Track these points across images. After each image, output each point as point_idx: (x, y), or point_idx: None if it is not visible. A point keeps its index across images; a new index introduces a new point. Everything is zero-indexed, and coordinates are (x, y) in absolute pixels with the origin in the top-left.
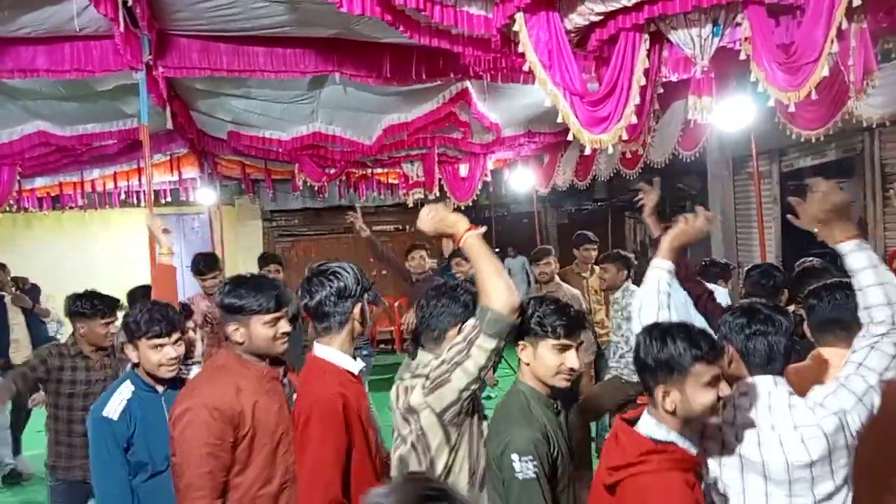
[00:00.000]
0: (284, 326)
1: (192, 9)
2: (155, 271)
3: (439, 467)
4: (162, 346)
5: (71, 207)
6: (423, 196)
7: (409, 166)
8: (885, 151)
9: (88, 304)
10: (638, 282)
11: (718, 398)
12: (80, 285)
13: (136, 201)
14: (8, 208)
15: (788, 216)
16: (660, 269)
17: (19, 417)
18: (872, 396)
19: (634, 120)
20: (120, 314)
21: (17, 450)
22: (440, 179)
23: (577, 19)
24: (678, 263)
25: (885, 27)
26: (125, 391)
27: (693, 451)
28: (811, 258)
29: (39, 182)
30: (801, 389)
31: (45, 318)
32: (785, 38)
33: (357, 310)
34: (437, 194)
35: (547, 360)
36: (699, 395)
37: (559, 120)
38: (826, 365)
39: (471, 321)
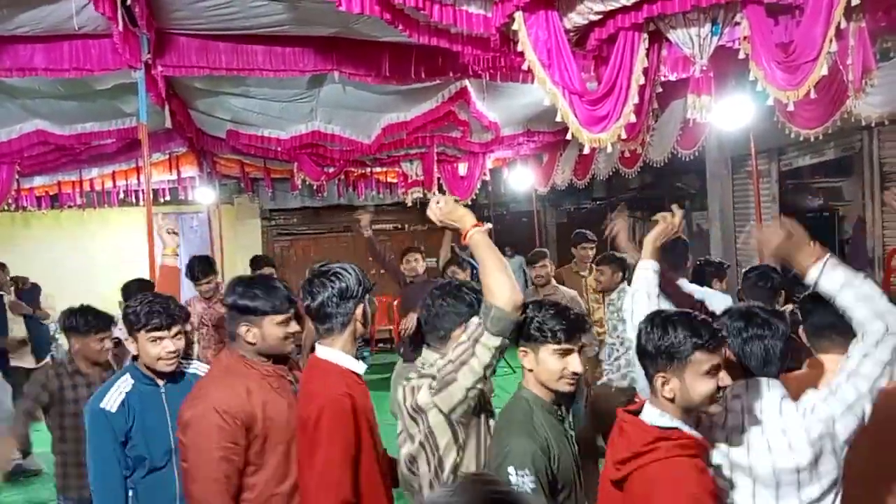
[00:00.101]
0: (294, 326)
1: (191, 8)
2: (159, 273)
3: (447, 466)
4: (161, 339)
5: (70, 206)
6: (422, 195)
7: (408, 165)
8: (884, 150)
9: (82, 320)
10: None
11: (718, 388)
12: (80, 284)
13: (134, 200)
14: (6, 207)
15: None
16: (646, 269)
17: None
18: (863, 404)
19: (633, 119)
20: (115, 330)
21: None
22: (439, 178)
23: (576, 18)
24: (666, 281)
25: (884, 26)
26: (124, 384)
27: (699, 436)
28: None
29: (38, 181)
30: (798, 397)
31: (45, 321)
32: (784, 37)
33: (359, 311)
34: (436, 193)
35: (549, 366)
36: (698, 384)
37: (558, 119)
38: (824, 372)
39: (475, 319)
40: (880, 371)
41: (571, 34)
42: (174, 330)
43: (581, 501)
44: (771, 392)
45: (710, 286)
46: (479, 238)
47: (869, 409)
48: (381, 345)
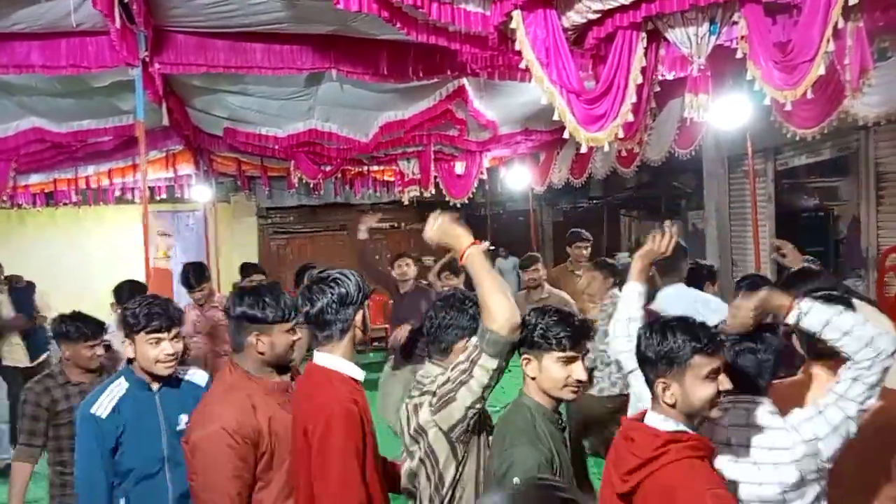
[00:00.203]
0: (297, 333)
1: (189, 5)
2: (151, 276)
3: (447, 481)
4: (160, 340)
5: (66, 204)
6: (418, 194)
7: (405, 164)
8: (880, 150)
9: (73, 327)
10: None
11: (718, 392)
12: (75, 282)
13: (131, 198)
14: (2, 205)
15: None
16: (632, 293)
17: (16, 411)
18: (849, 425)
19: (631, 118)
20: (106, 336)
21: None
22: (436, 177)
23: (574, 17)
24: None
25: (881, 26)
26: (118, 389)
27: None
28: (806, 259)
29: (34, 178)
30: (791, 404)
31: (45, 324)
32: (781, 36)
33: (359, 317)
34: (433, 192)
35: (553, 373)
36: (699, 388)
37: (556, 118)
38: (817, 379)
39: (474, 339)
40: (868, 394)
41: (569, 33)
42: (173, 332)
43: None
44: (759, 408)
45: (702, 290)
46: (475, 258)
47: (854, 429)
48: (375, 343)
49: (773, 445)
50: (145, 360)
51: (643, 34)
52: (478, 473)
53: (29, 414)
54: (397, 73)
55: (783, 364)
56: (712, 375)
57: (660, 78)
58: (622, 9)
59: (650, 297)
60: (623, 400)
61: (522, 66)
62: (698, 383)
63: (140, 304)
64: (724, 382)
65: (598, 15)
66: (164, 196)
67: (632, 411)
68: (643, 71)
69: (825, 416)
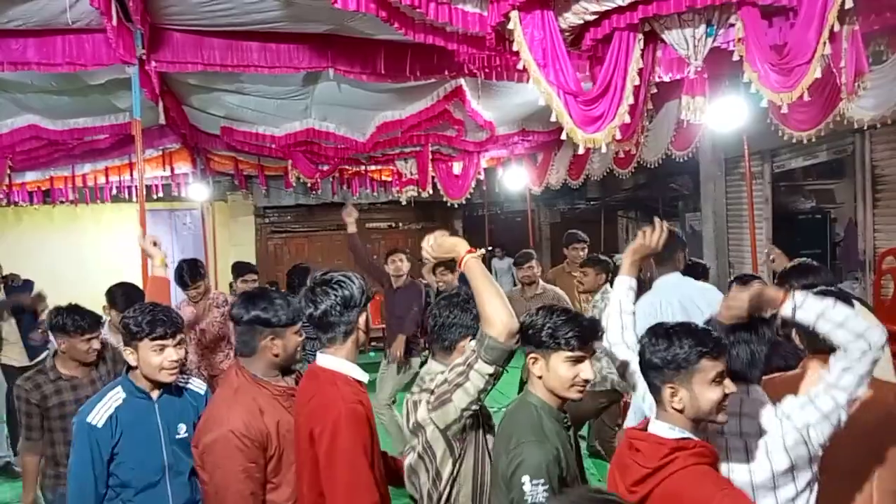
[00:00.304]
0: (302, 335)
1: (186, 3)
2: (149, 284)
3: (445, 476)
4: (164, 347)
5: (62, 202)
6: (416, 194)
7: (402, 164)
8: (876, 153)
9: (69, 320)
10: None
11: (725, 395)
12: (71, 280)
13: (127, 196)
14: None
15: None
16: (622, 286)
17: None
18: (839, 413)
19: (628, 119)
20: (102, 330)
21: (13, 443)
22: (433, 177)
23: (571, 18)
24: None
25: (877, 29)
26: (114, 398)
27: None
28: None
29: (30, 176)
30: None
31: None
32: (778, 39)
33: (362, 319)
34: (431, 192)
35: (561, 373)
36: (706, 392)
37: (553, 119)
38: (815, 371)
39: (473, 343)
40: (859, 383)
41: (567, 34)
42: (177, 338)
43: None
44: (751, 397)
45: None
46: (474, 265)
47: (845, 417)
48: (373, 343)
49: (764, 433)
50: (149, 367)
51: (640, 36)
52: (475, 470)
53: (23, 411)
54: (394, 73)
55: (785, 363)
56: (718, 379)
57: (657, 79)
58: (619, 10)
59: (645, 288)
60: (613, 395)
61: (520, 66)
62: (706, 387)
63: (142, 312)
64: (730, 385)
65: (596, 16)
66: (160, 194)
67: (633, 409)
68: (640, 72)
69: (816, 404)
